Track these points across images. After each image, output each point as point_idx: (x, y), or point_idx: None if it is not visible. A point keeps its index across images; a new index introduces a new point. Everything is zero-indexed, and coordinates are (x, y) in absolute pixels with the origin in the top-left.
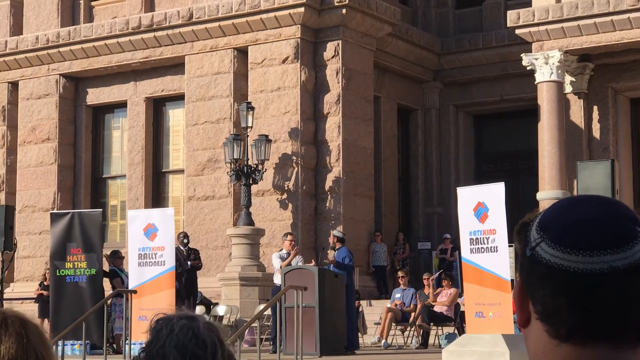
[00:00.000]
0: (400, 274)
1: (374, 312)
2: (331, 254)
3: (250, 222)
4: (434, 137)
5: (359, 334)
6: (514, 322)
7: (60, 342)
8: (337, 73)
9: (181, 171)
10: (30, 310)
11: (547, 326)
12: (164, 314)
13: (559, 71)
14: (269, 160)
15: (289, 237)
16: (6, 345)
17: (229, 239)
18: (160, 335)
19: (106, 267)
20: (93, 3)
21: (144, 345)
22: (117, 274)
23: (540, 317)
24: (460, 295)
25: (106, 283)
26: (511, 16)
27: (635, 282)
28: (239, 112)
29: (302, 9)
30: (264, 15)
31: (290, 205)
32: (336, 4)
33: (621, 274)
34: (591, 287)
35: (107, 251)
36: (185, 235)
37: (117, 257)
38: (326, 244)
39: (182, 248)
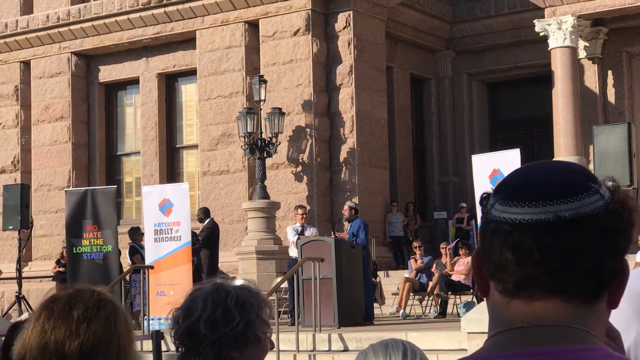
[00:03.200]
0: (415, 244)
1: (391, 282)
2: (344, 234)
3: (265, 196)
4: (448, 106)
5: (377, 304)
6: None
7: None
8: (348, 44)
9: (195, 146)
10: (49, 288)
11: (496, 283)
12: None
13: (573, 36)
14: (282, 133)
15: (300, 211)
16: (94, 328)
17: (245, 213)
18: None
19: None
20: None
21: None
22: (137, 251)
23: (490, 274)
24: None
25: (125, 260)
26: None
27: (582, 233)
28: (252, 86)
29: None
30: None
31: (305, 178)
32: None
33: (568, 223)
34: (536, 238)
35: (124, 228)
36: (203, 212)
37: (137, 234)
38: (342, 215)
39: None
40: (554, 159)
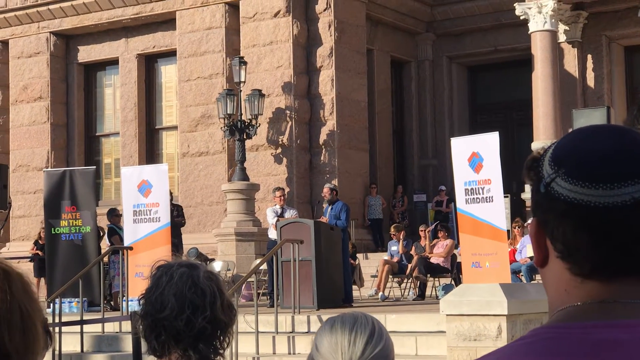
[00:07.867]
0: (392, 230)
1: (370, 265)
2: (325, 219)
3: (244, 178)
4: (428, 89)
5: (356, 286)
6: (511, 271)
7: (57, 300)
8: (329, 26)
9: (174, 127)
10: (27, 269)
11: (569, 264)
12: (164, 261)
13: (553, 20)
14: (262, 114)
15: (277, 193)
16: None
17: (224, 194)
18: (160, 282)
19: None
20: None
21: (143, 292)
22: (116, 232)
23: (562, 255)
24: (457, 246)
25: (104, 241)
26: None
27: None
28: (232, 67)
29: None
30: None
31: (284, 160)
32: None
33: None
34: (615, 222)
35: (102, 209)
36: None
37: (114, 215)
38: (321, 197)
39: None
40: (604, 124)
